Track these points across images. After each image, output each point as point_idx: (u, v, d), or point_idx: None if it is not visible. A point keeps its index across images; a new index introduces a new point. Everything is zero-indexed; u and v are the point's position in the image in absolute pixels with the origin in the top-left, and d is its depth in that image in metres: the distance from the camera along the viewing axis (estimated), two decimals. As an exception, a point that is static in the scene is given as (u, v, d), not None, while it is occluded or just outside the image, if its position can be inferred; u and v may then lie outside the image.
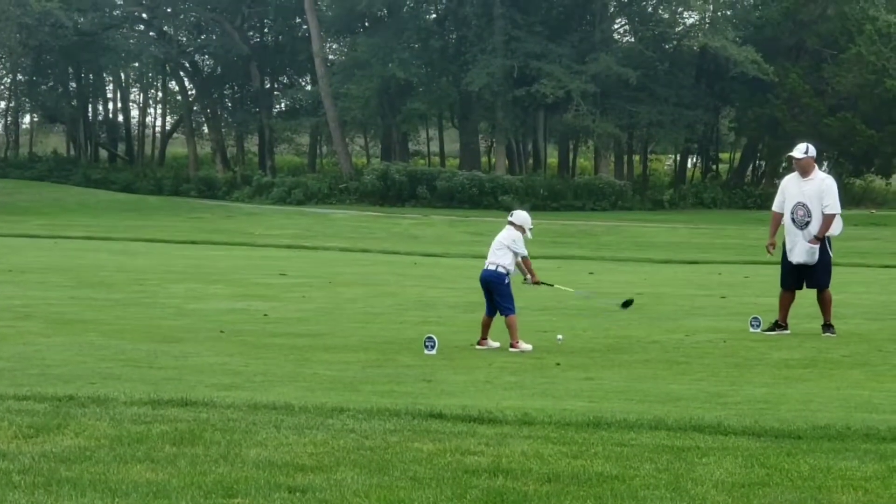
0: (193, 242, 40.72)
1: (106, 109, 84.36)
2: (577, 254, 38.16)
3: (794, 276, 16.69)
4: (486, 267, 15.09)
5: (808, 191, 16.52)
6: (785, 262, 16.78)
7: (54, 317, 17.18)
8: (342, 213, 57.65)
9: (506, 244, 15.00)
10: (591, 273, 29.50)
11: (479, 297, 15.81)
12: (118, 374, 11.92)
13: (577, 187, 63.72)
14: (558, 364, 13.45)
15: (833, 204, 16.46)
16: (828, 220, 16.42)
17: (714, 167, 74.43)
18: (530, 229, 15.17)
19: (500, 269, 14.96)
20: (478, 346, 14.86)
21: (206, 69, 78.31)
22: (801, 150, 16.66)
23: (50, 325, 16.13)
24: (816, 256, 16.44)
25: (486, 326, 14.99)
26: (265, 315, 18.09)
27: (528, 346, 14.64)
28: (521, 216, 15.20)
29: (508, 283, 15.01)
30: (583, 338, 15.94)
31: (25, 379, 11.30)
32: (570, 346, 14.92)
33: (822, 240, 16.41)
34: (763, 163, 71.31)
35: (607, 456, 7.63)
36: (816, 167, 16.91)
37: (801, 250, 16.49)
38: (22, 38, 68.37)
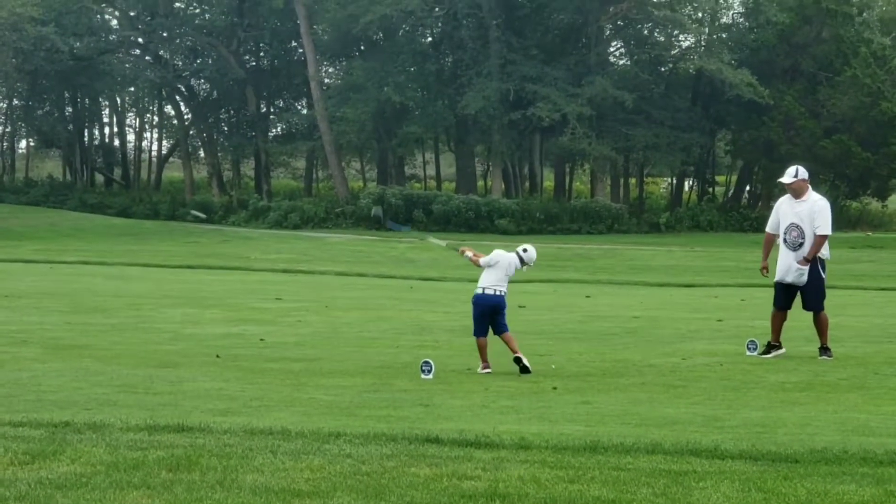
0: (189, 267, 40.69)
1: (102, 134, 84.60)
2: (573, 277, 38.13)
3: (786, 296, 16.67)
4: (495, 293, 15.06)
5: (802, 212, 16.49)
6: (777, 281, 16.78)
7: (50, 342, 17.14)
8: (338, 237, 57.65)
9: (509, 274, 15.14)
10: (587, 296, 29.48)
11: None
12: (114, 400, 11.89)
13: (573, 210, 63.76)
14: (555, 388, 13.43)
15: (824, 225, 16.41)
16: (819, 241, 16.40)
17: (710, 190, 74.48)
18: (527, 266, 15.33)
19: (505, 293, 15.13)
20: (484, 371, 14.77)
21: (201, 93, 78.39)
22: (790, 175, 16.65)
23: (46, 351, 16.09)
24: (805, 278, 16.41)
25: (484, 348, 14.97)
26: (261, 340, 18.06)
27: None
28: (531, 256, 15.29)
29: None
30: (579, 362, 15.91)
31: (21, 405, 11.27)
32: (566, 371, 14.90)
33: (811, 261, 16.40)
34: (759, 185, 71.39)
35: (604, 480, 7.61)
36: (810, 188, 16.86)
37: (790, 271, 16.48)
38: (18, 62, 68.54)
